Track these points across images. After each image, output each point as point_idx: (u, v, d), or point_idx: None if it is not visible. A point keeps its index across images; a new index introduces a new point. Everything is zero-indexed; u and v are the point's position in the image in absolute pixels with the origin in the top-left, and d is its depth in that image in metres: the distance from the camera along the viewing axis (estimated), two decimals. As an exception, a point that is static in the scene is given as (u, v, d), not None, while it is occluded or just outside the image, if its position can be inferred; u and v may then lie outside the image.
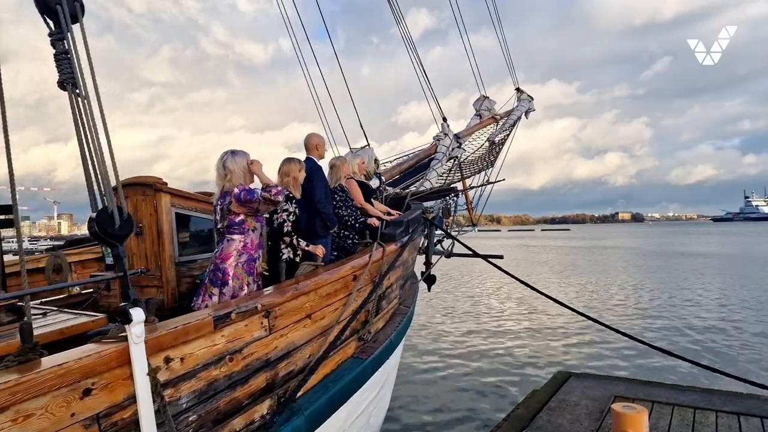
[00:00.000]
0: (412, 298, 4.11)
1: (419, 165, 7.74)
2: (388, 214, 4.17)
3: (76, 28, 1.54)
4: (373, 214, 4.09)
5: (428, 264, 5.34)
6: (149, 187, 3.41)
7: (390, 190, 6.94)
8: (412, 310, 3.90)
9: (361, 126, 7.55)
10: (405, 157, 8.05)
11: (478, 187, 7.10)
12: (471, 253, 5.28)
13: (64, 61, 1.47)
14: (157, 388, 1.49)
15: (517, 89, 9.46)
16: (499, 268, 4.56)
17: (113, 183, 1.57)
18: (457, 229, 7.01)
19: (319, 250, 3.00)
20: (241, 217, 2.64)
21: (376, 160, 7.20)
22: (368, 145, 7.44)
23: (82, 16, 1.53)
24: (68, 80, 1.47)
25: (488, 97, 9.07)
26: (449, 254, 6.03)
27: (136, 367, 1.45)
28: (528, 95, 9.38)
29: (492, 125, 8.55)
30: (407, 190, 6.68)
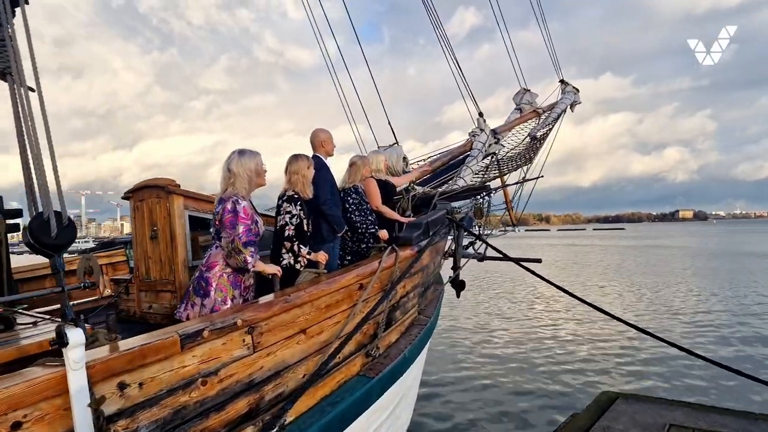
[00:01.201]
0: (434, 307, 3.81)
1: (452, 163, 7.41)
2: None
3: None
4: (391, 217, 3.83)
5: (456, 268, 5.02)
6: (162, 189, 3.33)
7: (418, 189, 6.66)
8: (433, 320, 3.61)
9: (389, 123, 7.36)
10: (438, 155, 7.76)
11: (513, 185, 6.67)
12: (503, 256, 4.91)
13: (2, 49, 1.32)
14: (100, 421, 1.31)
15: (561, 81, 8.89)
16: (533, 273, 4.15)
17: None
18: (490, 230, 6.60)
19: (321, 256, 2.78)
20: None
21: (404, 159, 6.95)
22: (396, 143, 7.20)
23: (25, 2, 1.38)
24: (7, 70, 1.32)
25: (529, 90, 8.58)
26: (482, 257, 5.66)
27: (74, 397, 1.28)
28: (573, 87, 8.80)
29: (534, 119, 8.07)
30: (437, 189, 6.38)
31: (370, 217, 3.57)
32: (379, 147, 6.86)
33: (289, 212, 2.82)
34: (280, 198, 2.98)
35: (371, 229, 3.50)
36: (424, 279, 3.62)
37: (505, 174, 7.41)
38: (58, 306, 3.82)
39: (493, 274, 17.99)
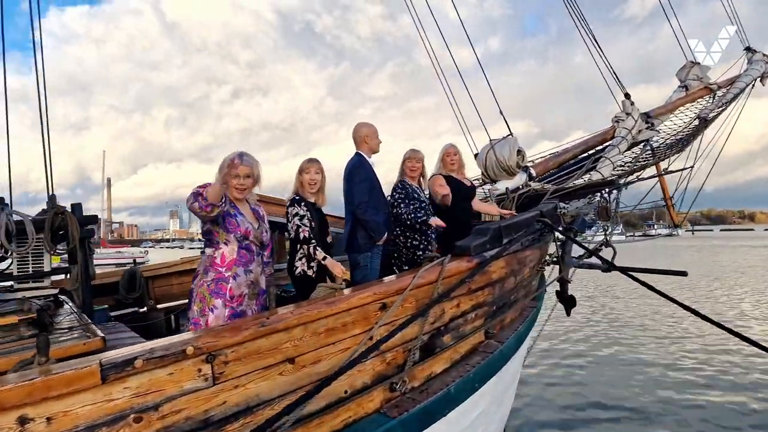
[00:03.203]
0: (515, 330, 3.14)
1: (584, 156, 6.33)
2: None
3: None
4: (484, 211, 3.25)
5: (563, 281, 4.16)
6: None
7: (533, 185, 5.83)
8: (510, 345, 2.94)
9: (501, 112, 6.59)
10: (570, 146, 6.71)
11: (648, 178, 5.37)
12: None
13: None
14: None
15: (747, 48, 6.98)
16: (658, 292, 3.11)
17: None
18: (621, 233, 5.40)
19: (338, 268, 2.40)
20: (207, 226, 2.25)
21: (519, 151, 6.14)
22: (511, 134, 6.41)
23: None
24: None
25: (698, 63, 6.91)
26: (607, 268, 4.61)
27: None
28: (764, 54, 6.85)
29: (706, 97, 6.46)
30: (549, 186, 5.48)
31: (422, 211, 3.09)
32: (491, 140, 6.19)
33: (297, 213, 2.55)
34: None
35: (421, 217, 3.02)
36: (495, 296, 2.99)
37: (660, 160, 6.04)
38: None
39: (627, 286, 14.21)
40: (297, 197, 2.70)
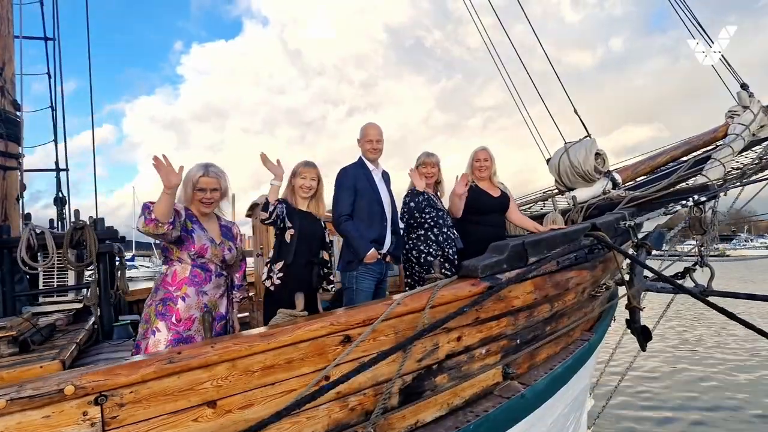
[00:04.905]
0: (548, 369, 2.54)
1: (686, 159, 5.35)
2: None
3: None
4: (521, 225, 2.75)
5: (632, 309, 3.39)
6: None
7: (612, 193, 5.08)
8: (536, 390, 2.36)
9: (575, 111, 5.90)
10: (670, 148, 5.75)
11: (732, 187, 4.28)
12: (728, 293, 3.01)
13: None
14: None
15: None
16: (736, 319, 2.29)
17: None
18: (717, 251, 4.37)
19: (299, 301, 2.01)
20: (163, 242, 2.03)
21: (599, 154, 5.40)
22: (588, 135, 5.64)
23: None
24: None
25: None
26: (704, 292, 3.70)
27: None
28: None
29: None
30: (628, 194, 4.66)
31: (424, 228, 2.62)
32: (566, 143, 5.52)
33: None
34: None
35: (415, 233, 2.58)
36: (519, 327, 2.43)
37: None
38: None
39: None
40: (280, 199, 2.44)
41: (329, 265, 2.61)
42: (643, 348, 3.65)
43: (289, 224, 2.39)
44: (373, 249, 2.55)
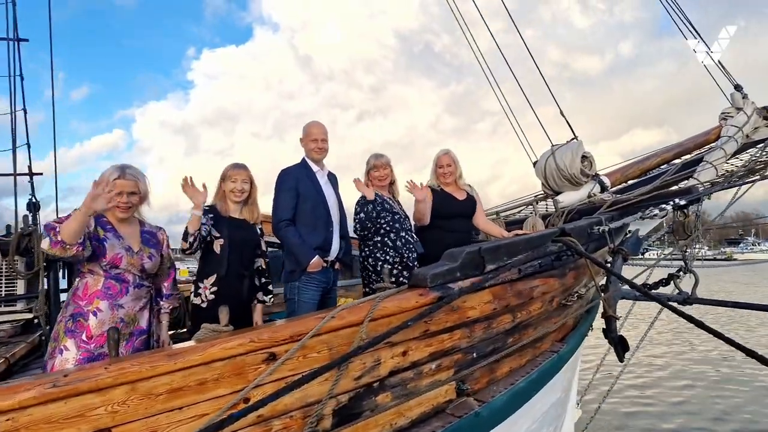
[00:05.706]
0: (508, 384, 2.38)
1: (676, 162, 5.22)
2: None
3: None
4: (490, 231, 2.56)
5: (608, 318, 3.21)
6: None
7: (596, 197, 4.93)
8: (493, 407, 2.20)
9: (562, 113, 5.79)
10: (660, 151, 5.62)
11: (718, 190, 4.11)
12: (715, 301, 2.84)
13: None
14: None
15: None
16: (706, 328, 2.13)
17: None
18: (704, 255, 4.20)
19: (223, 314, 1.84)
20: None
21: (585, 156, 5.27)
22: (575, 137, 5.51)
23: None
24: None
25: None
26: (687, 299, 3.51)
27: None
28: None
29: None
30: (609, 198, 4.53)
31: (380, 234, 2.46)
32: (553, 145, 5.39)
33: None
34: None
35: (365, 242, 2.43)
36: (475, 340, 2.27)
37: None
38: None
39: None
40: (207, 207, 2.29)
41: (267, 274, 2.45)
42: (620, 359, 3.47)
43: (216, 234, 2.24)
44: (317, 257, 2.39)
